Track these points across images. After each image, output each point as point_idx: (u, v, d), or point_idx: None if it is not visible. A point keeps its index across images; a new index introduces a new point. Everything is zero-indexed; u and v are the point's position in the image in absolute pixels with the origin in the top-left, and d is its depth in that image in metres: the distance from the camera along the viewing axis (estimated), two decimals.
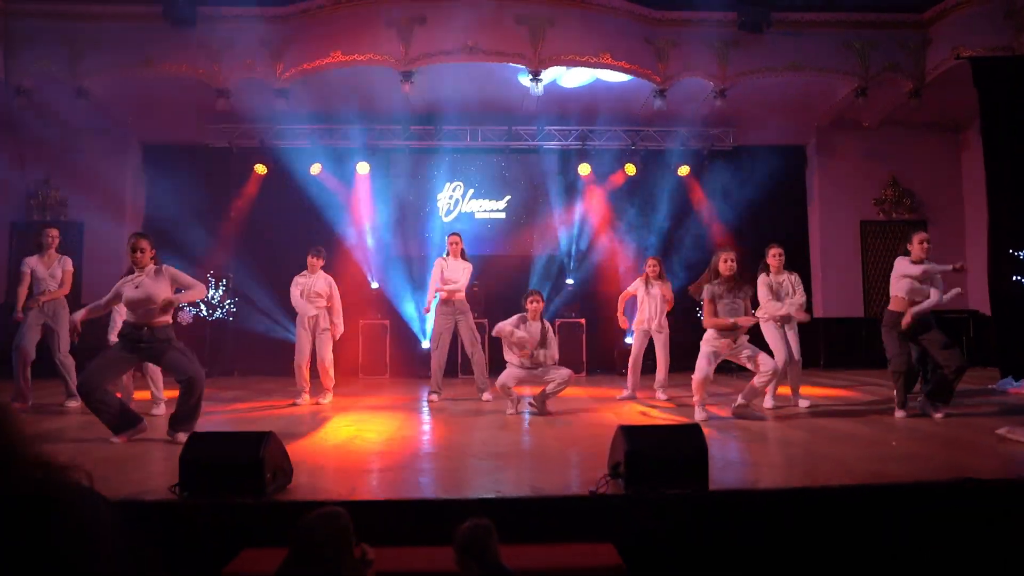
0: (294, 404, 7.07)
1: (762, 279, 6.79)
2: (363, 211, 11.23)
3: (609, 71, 9.74)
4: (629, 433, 3.31)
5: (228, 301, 10.74)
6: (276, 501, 3.20)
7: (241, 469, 3.14)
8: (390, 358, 10.55)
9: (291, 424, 5.85)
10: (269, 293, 10.75)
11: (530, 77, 9.55)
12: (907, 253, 6.10)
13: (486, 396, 7.37)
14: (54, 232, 7.24)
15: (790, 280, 6.82)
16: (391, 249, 11.24)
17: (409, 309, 10.99)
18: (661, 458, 3.23)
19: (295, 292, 7.32)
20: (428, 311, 7.94)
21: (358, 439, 5.11)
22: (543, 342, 6.46)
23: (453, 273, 7.65)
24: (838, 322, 11.49)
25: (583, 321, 10.67)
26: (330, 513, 2.50)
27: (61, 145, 10.97)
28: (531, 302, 6.56)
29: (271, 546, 2.98)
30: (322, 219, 11.02)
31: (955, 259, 8.23)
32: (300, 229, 10.77)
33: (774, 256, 6.83)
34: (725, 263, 5.97)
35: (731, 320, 5.74)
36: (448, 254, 7.82)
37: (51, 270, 7.02)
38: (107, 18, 9.69)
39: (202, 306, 10.54)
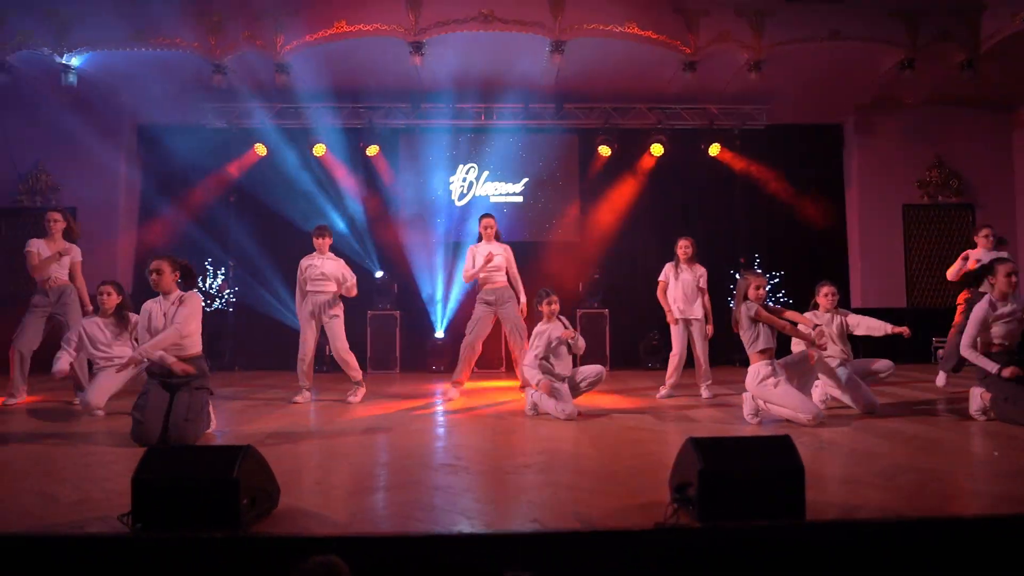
0: (292, 402, 6.40)
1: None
2: (368, 194, 10.53)
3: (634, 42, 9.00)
4: (703, 447, 2.59)
5: (228, 291, 10.06)
6: (255, 535, 2.51)
7: (210, 493, 2.45)
8: (400, 351, 9.86)
9: (288, 427, 5.17)
10: (272, 282, 10.10)
11: (550, 49, 8.84)
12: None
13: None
14: (55, 215, 6.63)
15: (845, 322, 5.87)
16: (400, 235, 10.52)
17: (419, 299, 10.30)
18: (745, 479, 2.52)
19: (299, 278, 6.64)
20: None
21: (364, 446, 4.43)
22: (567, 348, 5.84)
23: (490, 259, 6.82)
24: (878, 312, 10.67)
25: (606, 312, 9.94)
26: (327, 566, 1.83)
27: (51, 128, 10.35)
28: (547, 304, 5.86)
29: None
30: (325, 203, 10.34)
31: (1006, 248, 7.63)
32: (302, 213, 10.08)
33: (826, 296, 5.92)
34: (756, 290, 5.25)
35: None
36: (481, 239, 7.05)
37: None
38: None
39: (200, 296, 9.87)
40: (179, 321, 4.59)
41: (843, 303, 10.48)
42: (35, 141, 10.38)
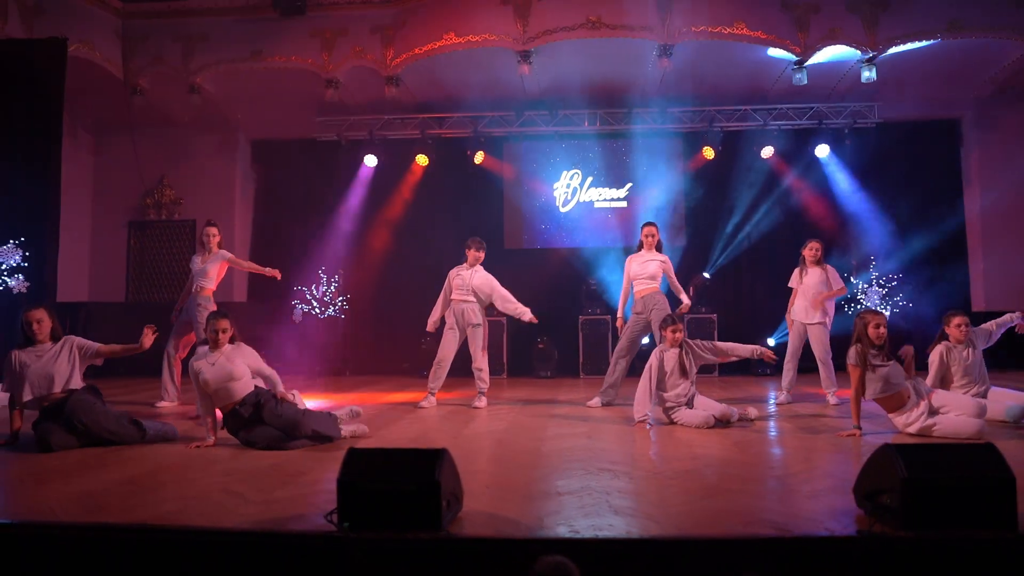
0: (419, 407, 6.56)
1: (938, 351, 5.52)
2: (472, 203, 10.69)
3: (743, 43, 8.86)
4: (906, 454, 2.53)
5: (340, 298, 10.39)
6: (453, 536, 2.59)
7: (414, 496, 2.54)
8: (507, 357, 9.95)
9: (425, 432, 5.31)
10: (382, 289, 10.39)
11: (657, 53, 8.80)
12: None
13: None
14: (212, 229, 6.86)
15: (973, 357, 5.46)
16: (505, 241, 10.64)
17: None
18: (951, 489, 2.45)
19: (445, 286, 6.80)
20: (620, 322, 6.92)
21: (512, 450, 4.50)
22: (683, 371, 5.53)
23: (643, 268, 6.76)
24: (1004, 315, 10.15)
25: (714, 316, 9.80)
26: (561, 567, 1.88)
27: (174, 145, 11.00)
28: (671, 331, 5.62)
29: None
30: (434, 211, 10.59)
31: None
32: (412, 222, 10.35)
33: (959, 327, 5.51)
34: (876, 328, 4.88)
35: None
36: (641, 247, 6.93)
37: (205, 266, 6.73)
38: (218, 12, 9.59)
39: (314, 303, 10.24)
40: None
41: (964, 306, 10.11)
42: (159, 157, 11.00)
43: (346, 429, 4.89)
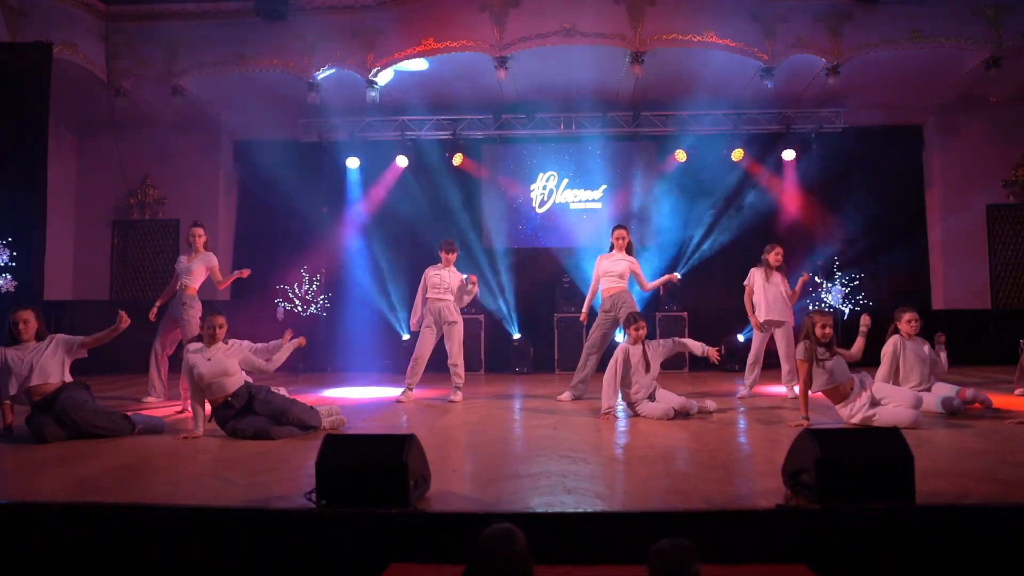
0: (398, 401, 6.84)
1: (891, 344, 5.93)
2: (451, 203, 10.98)
3: (713, 50, 9.20)
4: (820, 438, 2.86)
5: (322, 296, 10.64)
6: (420, 511, 2.88)
7: (383, 476, 2.84)
8: (484, 354, 10.25)
9: (404, 423, 5.59)
10: (364, 287, 10.67)
11: (629, 59, 9.12)
12: None
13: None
14: (198, 230, 7.13)
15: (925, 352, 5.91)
16: (480, 241, 10.95)
17: (500, 303, 10.69)
18: (858, 467, 2.78)
19: (422, 285, 7.12)
20: (585, 316, 7.33)
21: (482, 439, 4.80)
22: (646, 367, 5.83)
23: (613, 267, 7.06)
24: (962, 314, 10.60)
25: (684, 315, 10.17)
26: (507, 533, 2.17)
27: (158, 145, 11.16)
28: (635, 329, 5.93)
29: (419, 560, 2.69)
30: (413, 212, 10.88)
31: None
32: (392, 222, 10.65)
33: (909, 323, 5.91)
34: (823, 328, 5.19)
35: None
36: (612, 248, 7.23)
37: (190, 265, 6.98)
38: (201, 16, 9.72)
39: (296, 302, 10.47)
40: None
41: (924, 305, 10.54)
42: (143, 157, 11.16)
43: (327, 420, 5.18)
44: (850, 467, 2.79)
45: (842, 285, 10.15)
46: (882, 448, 2.86)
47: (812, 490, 2.82)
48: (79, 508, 3.04)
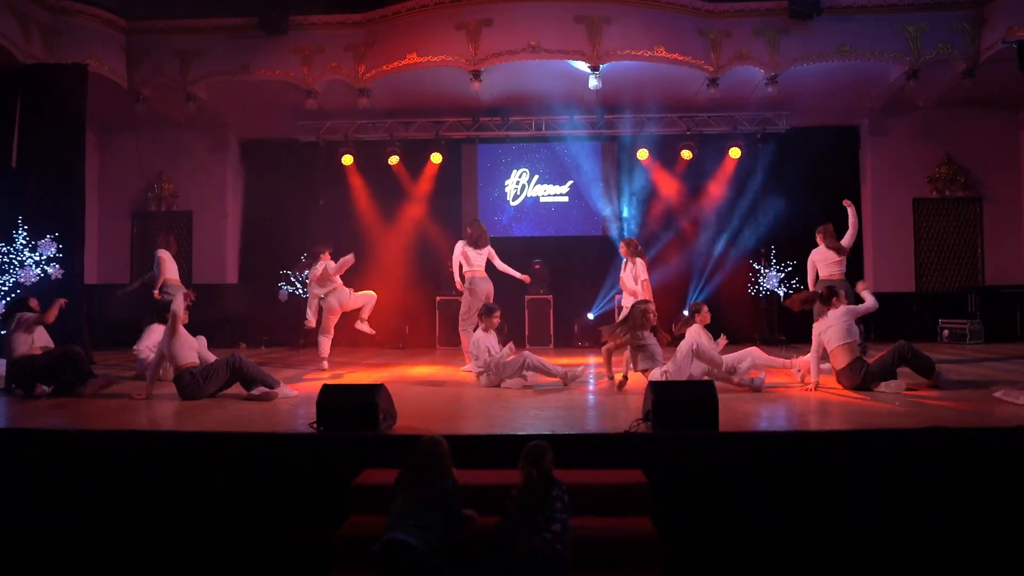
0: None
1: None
2: (434, 198, 12.30)
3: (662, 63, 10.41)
4: (656, 387, 4.22)
5: None
6: (387, 435, 4.24)
7: (361, 411, 4.19)
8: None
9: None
10: (358, 272, 11.96)
11: (589, 71, 10.33)
12: None
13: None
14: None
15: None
16: (459, 233, 12.25)
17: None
18: (680, 406, 4.13)
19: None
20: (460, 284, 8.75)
21: (446, 395, 6.17)
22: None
23: (479, 258, 8.65)
24: (889, 296, 11.89)
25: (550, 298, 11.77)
26: (433, 439, 3.51)
27: (172, 144, 12.41)
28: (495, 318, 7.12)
29: (386, 467, 4.04)
30: (401, 203, 12.26)
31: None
32: (383, 212, 12.03)
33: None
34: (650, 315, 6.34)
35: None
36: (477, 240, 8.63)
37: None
38: (211, 30, 10.92)
39: (298, 285, 11.78)
40: None
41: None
42: (159, 155, 12.45)
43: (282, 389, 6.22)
44: (676, 405, 4.14)
45: (777, 270, 11.45)
46: (699, 393, 4.22)
47: (651, 420, 4.18)
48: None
